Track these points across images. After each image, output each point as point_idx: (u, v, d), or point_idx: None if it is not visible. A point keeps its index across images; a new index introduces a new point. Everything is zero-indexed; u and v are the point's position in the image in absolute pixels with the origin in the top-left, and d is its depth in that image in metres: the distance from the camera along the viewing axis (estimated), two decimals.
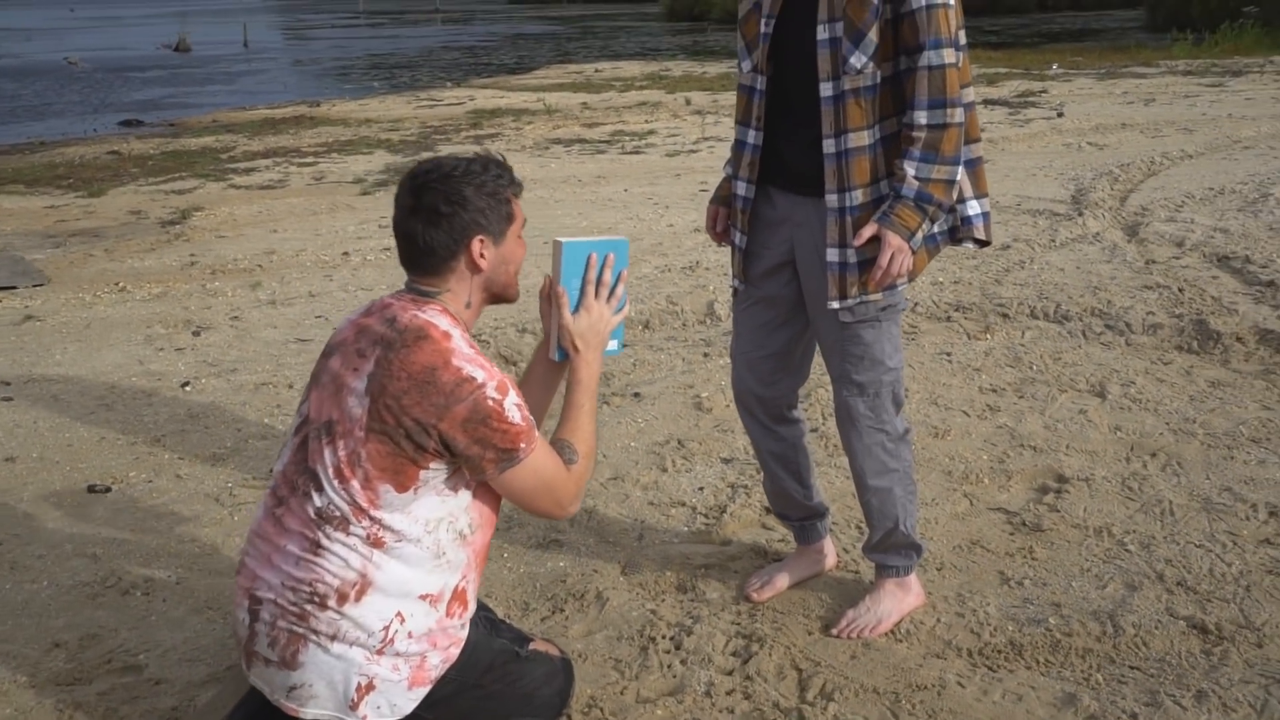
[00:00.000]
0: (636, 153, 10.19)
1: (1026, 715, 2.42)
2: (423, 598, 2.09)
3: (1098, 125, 10.69)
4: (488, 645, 2.24)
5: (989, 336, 4.85)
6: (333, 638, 2.03)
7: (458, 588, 2.15)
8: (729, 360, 4.54)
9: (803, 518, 2.95)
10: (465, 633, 2.20)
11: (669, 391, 4.32)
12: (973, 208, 2.57)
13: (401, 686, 2.08)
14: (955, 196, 2.50)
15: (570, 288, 2.31)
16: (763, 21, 2.57)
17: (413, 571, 2.08)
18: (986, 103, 12.93)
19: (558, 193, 8.41)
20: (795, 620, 2.82)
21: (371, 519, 2.04)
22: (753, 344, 2.79)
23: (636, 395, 4.29)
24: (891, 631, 2.75)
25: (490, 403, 2.04)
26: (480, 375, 2.06)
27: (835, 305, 2.54)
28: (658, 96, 15.17)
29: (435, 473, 2.06)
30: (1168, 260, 5.82)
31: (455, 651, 2.16)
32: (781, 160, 2.62)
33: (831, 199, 2.50)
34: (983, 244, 2.63)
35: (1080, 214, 6.97)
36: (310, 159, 10.75)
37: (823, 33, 2.44)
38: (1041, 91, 13.69)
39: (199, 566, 3.17)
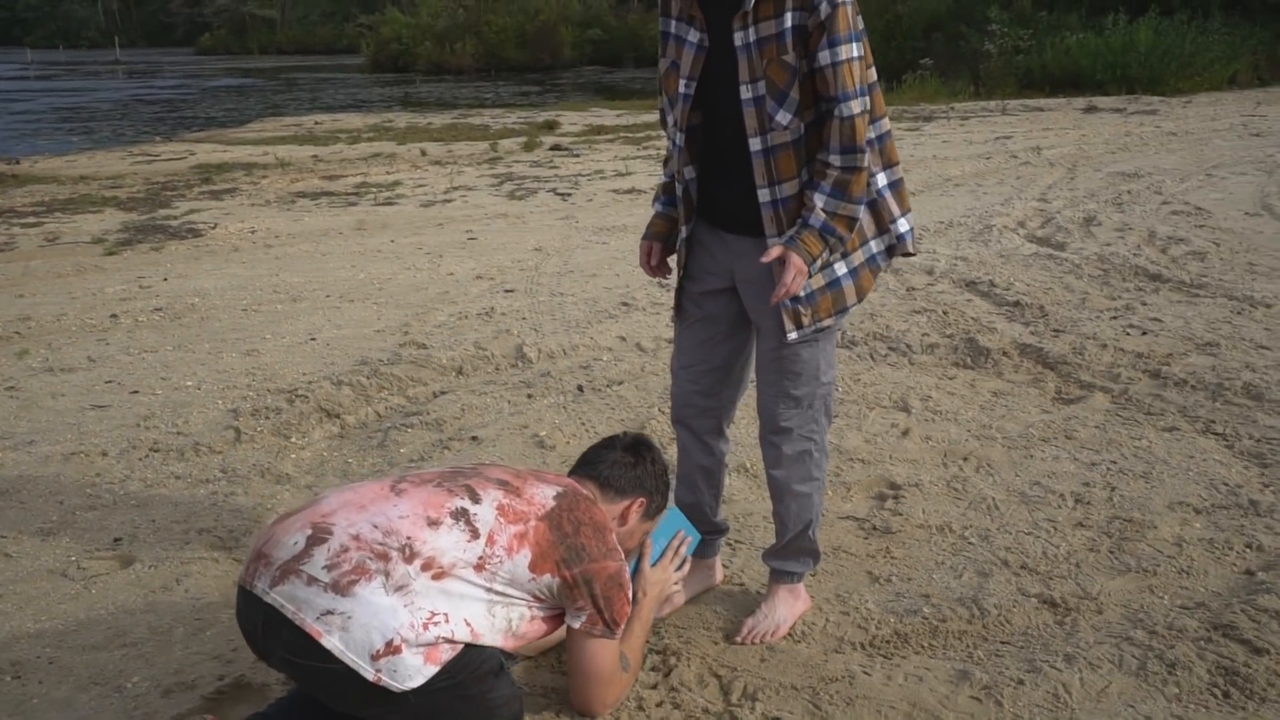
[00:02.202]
0: (389, 204, 10.15)
1: (930, 693, 2.68)
2: (466, 622, 2.28)
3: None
4: (480, 649, 2.31)
5: None
6: (399, 588, 2.19)
7: (487, 640, 2.34)
8: (561, 398, 4.72)
9: (707, 532, 3.11)
10: None
11: (506, 433, 4.41)
12: (903, 225, 2.80)
13: (419, 660, 2.18)
14: (859, 231, 2.72)
15: (657, 544, 2.82)
16: (682, 82, 2.69)
17: (472, 598, 2.31)
18: None
19: (323, 245, 8.29)
20: (699, 633, 2.98)
21: (495, 559, 2.32)
22: (695, 359, 2.94)
23: (475, 438, 4.35)
24: (789, 635, 2.96)
25: (627, 578, 2.52)
26: (623, 559, 2.53)
27: (794, 336, 2.73)
28: (390, 148, 15.09)
29: (551, 587, 2.40)
30: (925, 287, 6.40)
31: (453, 649, 2.26)
32: (717, 203, 2.78)
33: (773, 241, 2.66)
34: (908, 254, 2.89)
35: None
36: (32, 219, 10.06)
37: (746, 92, 2.59)
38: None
39: (69, 644, 3.00)
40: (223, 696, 2.70)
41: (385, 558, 2.22)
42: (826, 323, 2.76)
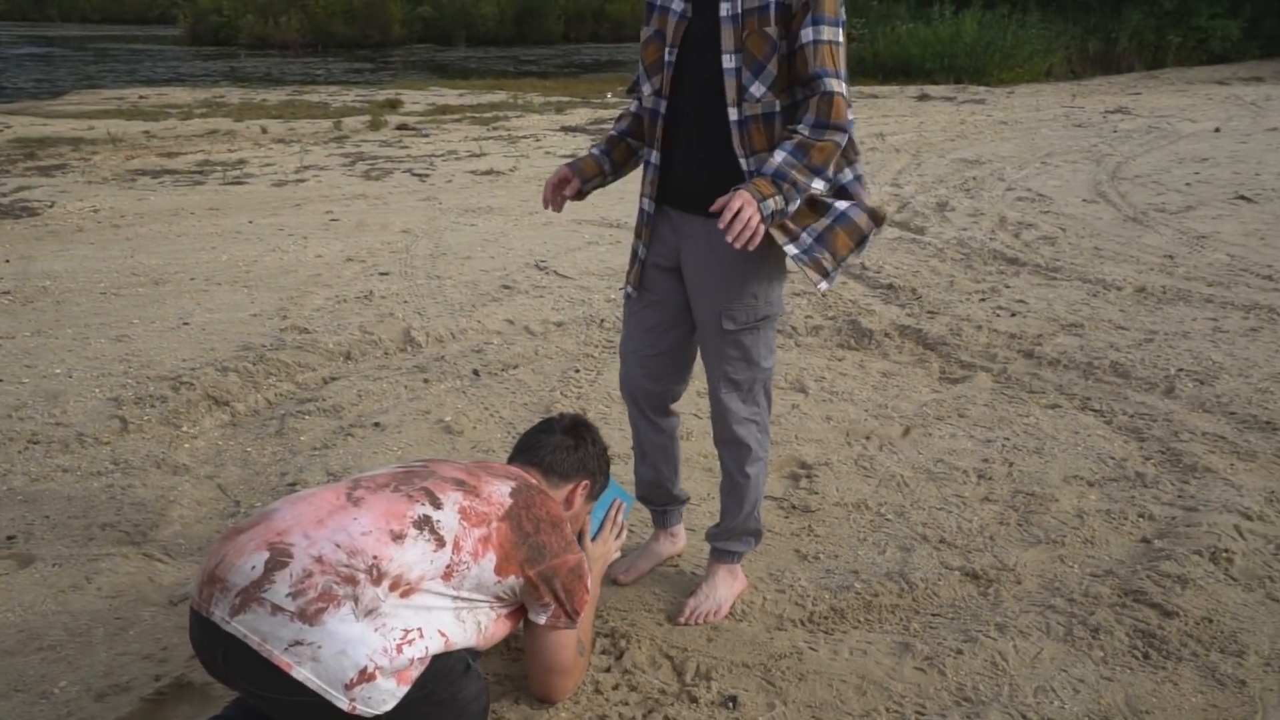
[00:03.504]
0: (239, 183, 9.79)
1: (877, 666, 2.77)
2: (440, 633, 2.22)
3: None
4: (447, 654, 2.27)
5: None
6: (368, 613, 2.10)
7: (460, 645, 2.32)
8: (458, 382, 4.66)
9: (666, 503, 3.20)
10: None
11: (409, 418, 4.33)
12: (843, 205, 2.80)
13: (392, 683, 2.12)
14: (811, 190, 2.66)
15: (594, 518, 2.84)
16: (666, 50, 2.72)
17: (445, 616, 2.26)
18: (565, 130, 13.62)
19: (175, 226, 7.94)
20: (642, 615, 3.01)
21: (463, 566, 2.27)
22: (643, 344, 2.97)
23: (378, 424, 4.26)
24: (730, 614, 3.01)
25: (586, 568, 2.51)
26: (580, 550, 2.52)
27: (824, 286, 2.70)
28: (227, 125, 14.52)
29: (516, 588, 2.39)
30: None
31: (426, 663, 2.21)
32: (672, 179, 2.80)
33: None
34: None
35: None
36: None
37: (728, 61, 2.61)
38: (613, 119, 14.58)
39: None
40: (163, 698, 2.60)
41: (353, 581, 2.12)
42: (850, 259, 2.72)
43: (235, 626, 2.06)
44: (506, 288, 6.21)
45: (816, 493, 3.72)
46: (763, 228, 2.47)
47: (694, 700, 2.63)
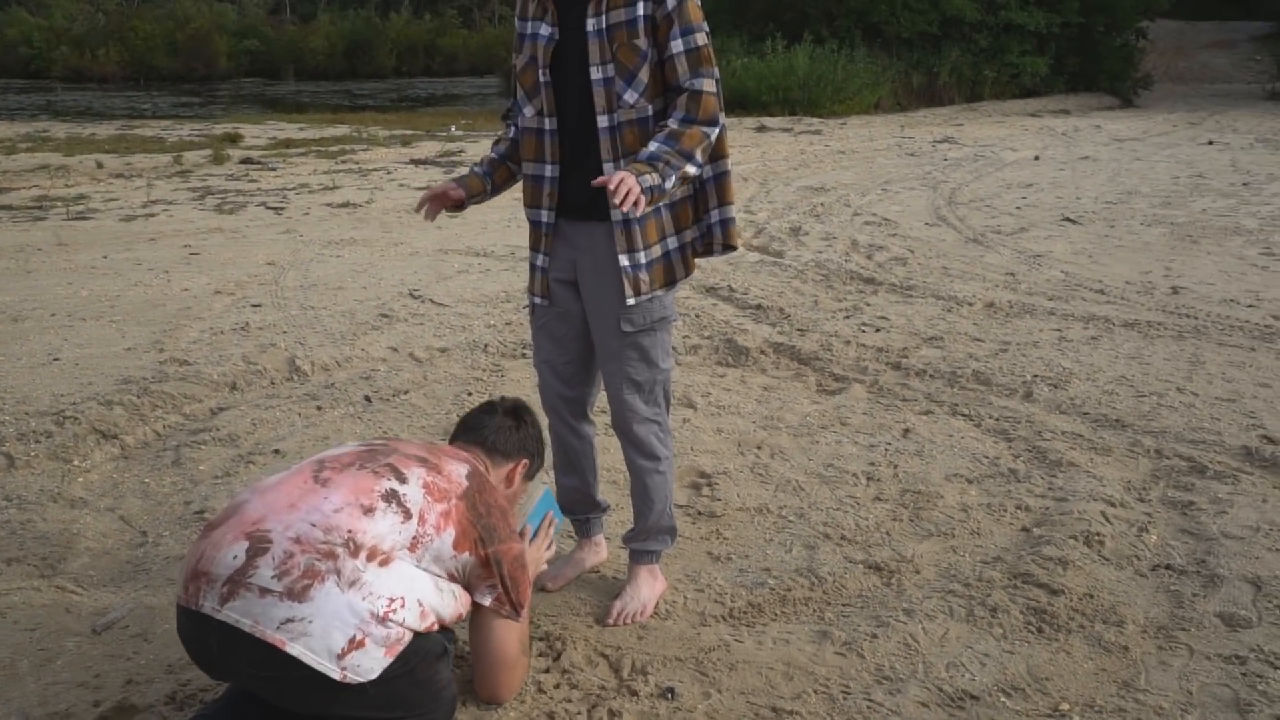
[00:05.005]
0: (84, 218, 9.50)
1: (800, 653, 2.94)
2: (419, 603, 2.31)
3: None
4: (426, 636, 2.34)
5: None
6: (351, 584, 2.19)
7: (436, 620, 2.38)
8: (351, 408, 4.68)
9: (587, 512, 3.33)
10: None
11: (309, 444, 4.34)
12: (714, 216, 3.03)
13: (380, 653, 2.21)
14: (682, 215, 2.95)
15: (533, 523, 2.89)
16: (540, 72, 2.88)
17: (419, 579, 2.34)
18: (415, 163, 13.61)
19: (24, 262, 7.68)
20: (572, 619, 3.11)
21: (426, 538, 2.33)
22: (554, 353, 3.12)
23: (277, 451, 4.26)
24: (655, 613, 3.14)
25: (527, 560, 2.62)
26: (524, 542, 2.67)
27: (632, 301, 2.91)
28: (57, 159, 14.01)
29: (469, 566, 2.46)
30: None
31: (410, 638, 2.30)
32: (566, 192, 2.95)
33: (616, 214, 2.85)
34: (724, 249, 3.09)
35: None
36: None
37: (596, 73, 2.81)
38: (460, 151, 14.65)
39: None
40: None
41: (332, 556, 2.21)
42: (658, 292, 2.96)
43: (227, 614, 2.13)
44: (385, 316, 6.24)
45: (719, 499, 3.90)
46: (644, 198, 2.63)
47: (634, 694, 2.75)
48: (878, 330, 5.97)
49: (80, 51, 40.80)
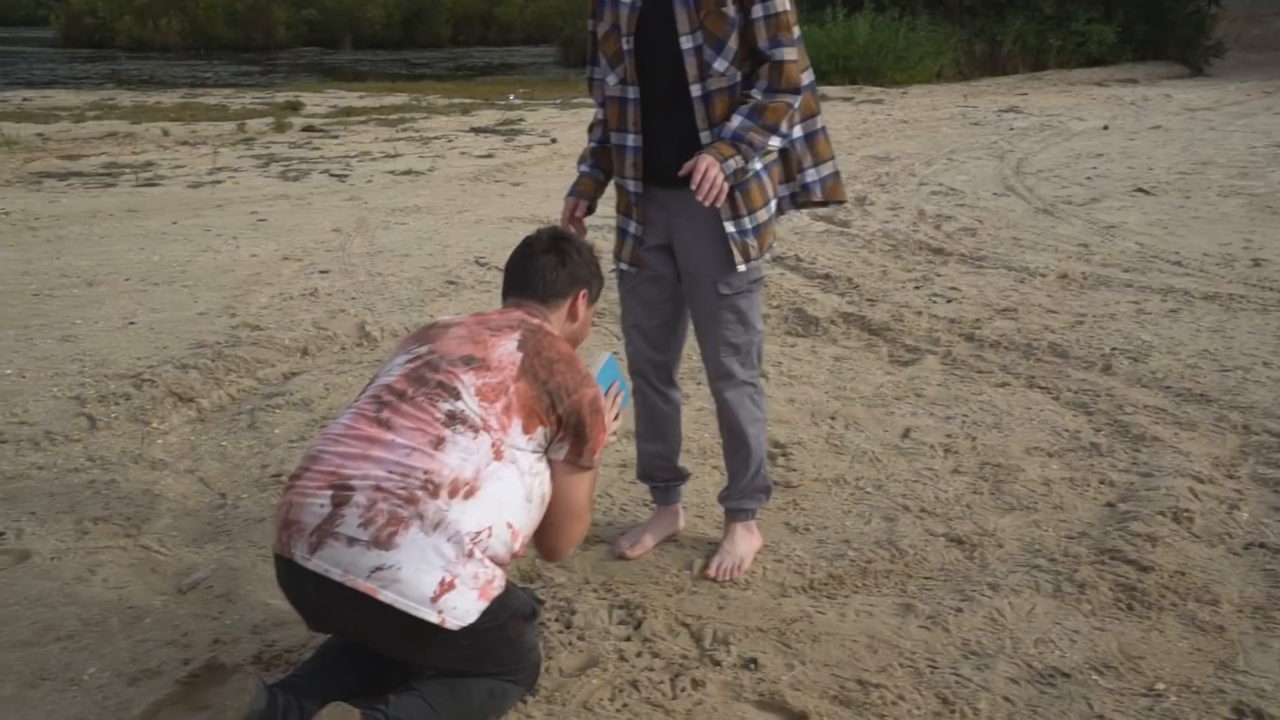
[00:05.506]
0: (152, 185, 9.59)
1: (884, 626, 2.90)
2: (509, 525, 2.31)
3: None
4: (517, 592, 2.34)
5: None
6: (435, 526, 2.18)
7: (525, 535, 2.38)
8: None
9: (669, 479, 3.32)
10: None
11: None
12: (810, 175, 3.04)
13: (474, 595, 2.21)
14: (769, 147, 2.87)
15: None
16: (624, 39, 2.86)
17: (511, 496, 2.32)
18: (475, 131, 13.61)
19: (96, 228, 7.77)
20: (650, 587, 3.09)
21: (500, 439, 2.31)
22: (644, 316, 3.11)
23: None
24: (734, 582, 3.12)
25: (603, 402, 2.55)
26: (596, 383, 2.54)
27: (743, 268, 2.92)
28: (125, 127, 14.16)
29: (544, 435, 2.41)
30: None
31: (503, 584, 2.29)
32: (655, 159, 2.93)
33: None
34: (823, 204, 3.10)
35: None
36: None
37: (686, 42, 2.79)
38: (520, 120, 14.62)
39: None
40: (197, 680, 2.61)
41: (413, 500, 2.20)
42: (766, 256, 3.00)
43: (316, 563, 2.15)
44: (451, 283, 6.24)
45: (795, 469, 3.85)
46: (727, 185, 2.73)
47: (717, 664, 2.72)
48: (949, 301, 5.87)
49: (143, 21, 41.21)
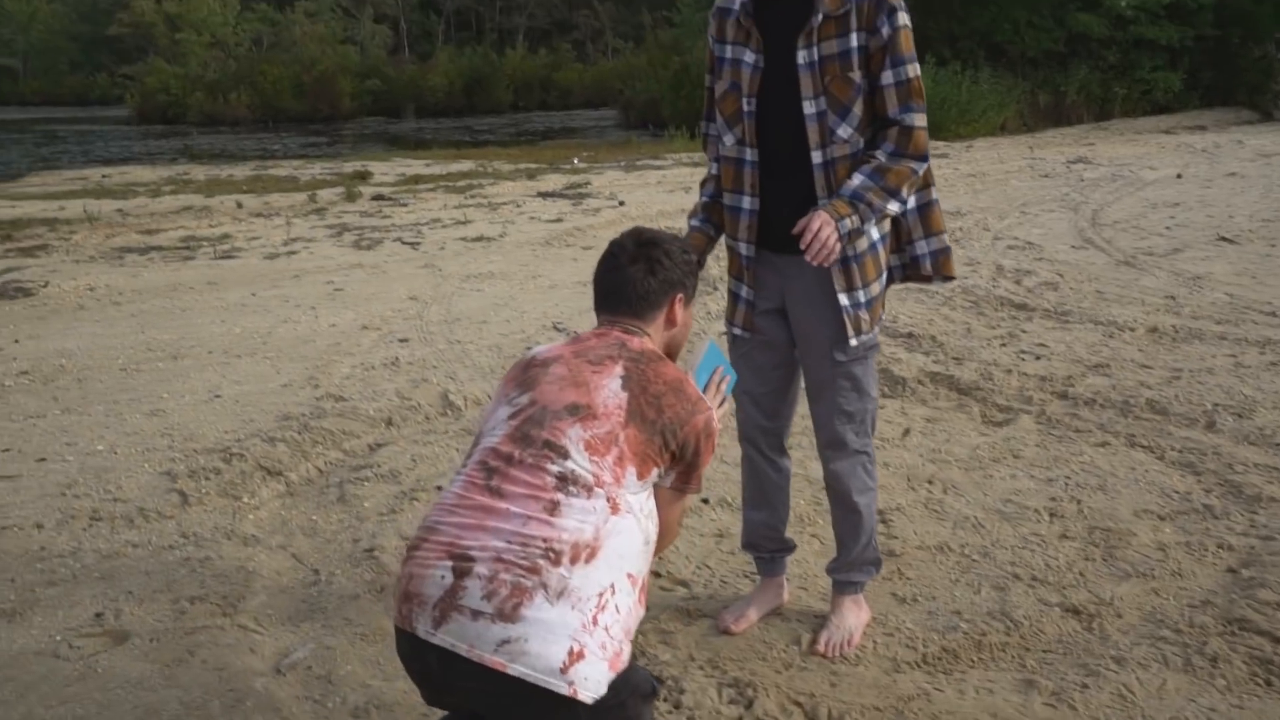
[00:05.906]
0: (229, 257, 9.74)
1: (1006, 703, 2.77)
2: (629, 577, 2.23)
3: (660, 211, 11.71)
4: (639, 670, 2.26)
5: None
6: (559, 594, 2.10)
7: (644, 580, 2.29)
8: None
9: (775, 550, 3.23)
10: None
11: None
12: (921, 248, 2.95)
13: (604, 665, 2.12)
14: (887, 211, 2.76)
15: (699, 379, 2.58)
16: (744, 101, 2.80)
17: (630, 548, 2.24)
18: (542, 195, 13.71)
19: (178, 301, 7.88)
20: (758, 664, 3.00)
21: (616, 491, 2.24)
22: (755, 383, 3.04)
23: (439, 488, 4.23)
24: (844, 658, 3.01)
25: (715, 425, 2.43)
26: (708, 406, 2.42)
27: (855, 342, 2.84)
28: (199, 201, 14.46)
29: (658, 474, 2.34)
30: None
31: (628, 659, 2.21)
32: (770, 223, 2.87)
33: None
34: (929, 280, 2.99)
35: (716, 288, 7.68)
36: None
37: (809, 108, 2.72)
38: (586, 184, 14.71)
39: None
40: None
41: (536, 570, 2.12)
42: (877, 330, 2.93)
43: (442, 638, 2.08)
44: (531, 350, 6.21)
45: (896, 536, 3.74)
46: (839, 246, 2.62)
47: None
48: (1038, 358, 5.74)
49: (213, 97, 42.43)
